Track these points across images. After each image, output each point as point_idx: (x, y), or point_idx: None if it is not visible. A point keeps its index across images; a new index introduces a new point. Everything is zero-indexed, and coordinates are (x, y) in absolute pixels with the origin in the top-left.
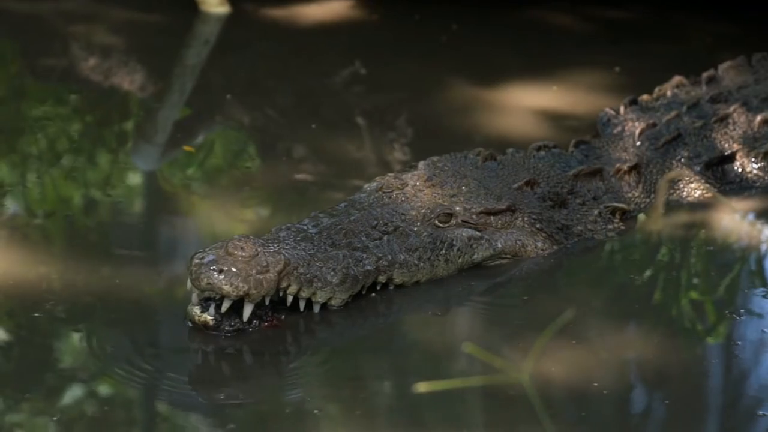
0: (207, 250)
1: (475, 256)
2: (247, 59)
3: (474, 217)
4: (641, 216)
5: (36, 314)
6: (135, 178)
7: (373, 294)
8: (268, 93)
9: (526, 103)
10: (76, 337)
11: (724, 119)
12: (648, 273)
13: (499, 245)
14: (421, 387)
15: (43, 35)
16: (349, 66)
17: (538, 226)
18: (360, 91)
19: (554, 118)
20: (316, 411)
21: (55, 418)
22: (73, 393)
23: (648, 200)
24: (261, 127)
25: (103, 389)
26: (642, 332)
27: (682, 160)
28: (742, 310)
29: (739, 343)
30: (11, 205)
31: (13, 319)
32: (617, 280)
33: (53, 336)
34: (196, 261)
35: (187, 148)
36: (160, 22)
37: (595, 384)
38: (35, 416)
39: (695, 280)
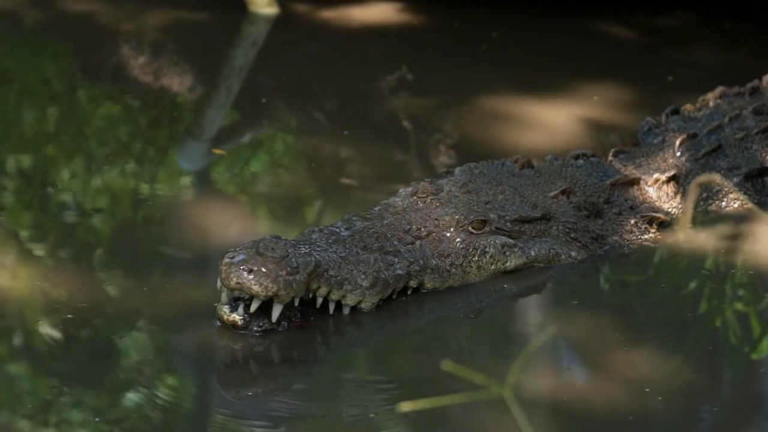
0: (238, 249)
1: (507, 264)
2: (294, 61)
3: (508, 224)
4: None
5: (69, 315)
6: (181, 178)
7: (404, 298)
8: (315, 96)
9: (567, 112)
10: (117, 336)
11: (766, 131)
12: (691, 283)
13: (533, 253)
14: (405, 407)
15: (93, 34)
16: (396, 70)
17: (572, 235)
18: (406, 95)
19: (595, 126)
20: (349, 412)
21: (97, 419)
22: (114, 392)
23: (693, 211)
24: (307, 129)
25: (140, 389)
26: (685, 344)
27: (722, 171)
28: None
29: None
30: (61, 203)
31: (57, 315)
32: (657, 290)
33: (94, 335)
34: (226, 260)
35: (217, 150)
36: (208, 22)
37: (647, 389)
38: (78, 415)
39: (740, 291)
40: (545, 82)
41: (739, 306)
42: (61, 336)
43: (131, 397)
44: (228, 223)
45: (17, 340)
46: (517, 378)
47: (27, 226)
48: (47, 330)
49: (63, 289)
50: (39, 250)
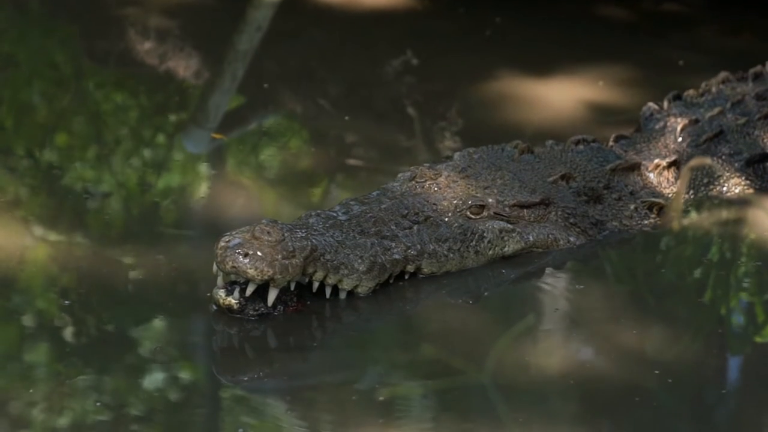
0: (234, 233)
1: (506, 249)
2: (299, 46)
3: (506, 209)
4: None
5: (67, 301)
6: (186, 162)
7: (401, 282)
8: (320, 81)
9: (572, 97)
10: (117, 322)
11: None
12: (695, 270)
13: (531, 239)
14: (383, 394)
15: (99, 18)
16: (400, 56)
17: (571, 220)
18: (411, 80)
19: (600, 112)
20: (345, 396)
21: (98, 404)
22: (113, 378)
23: (686, 196)
24: (312, 115)
25: (137, 374)
26: (693, 326)
27: (724, 156)
28: None
29: None
30: (68, 187)
31: (59, 301)
32: (660, 275)
33: (96, 320)
34: (222, 244)
35: (216, 135)
36: (213, 7)
37: (656, 371)
38: (79, 400)
39: (746, 280)
40: (550, 67)
41: (744, 295)
42: (63, 322)
43: (129, 383)
44: (231, 209)
45: (24, 325)
46: (501, 361)
47: (33, 210)
48: (51, 316)
49: (66, 274)
50: (46, 234)
